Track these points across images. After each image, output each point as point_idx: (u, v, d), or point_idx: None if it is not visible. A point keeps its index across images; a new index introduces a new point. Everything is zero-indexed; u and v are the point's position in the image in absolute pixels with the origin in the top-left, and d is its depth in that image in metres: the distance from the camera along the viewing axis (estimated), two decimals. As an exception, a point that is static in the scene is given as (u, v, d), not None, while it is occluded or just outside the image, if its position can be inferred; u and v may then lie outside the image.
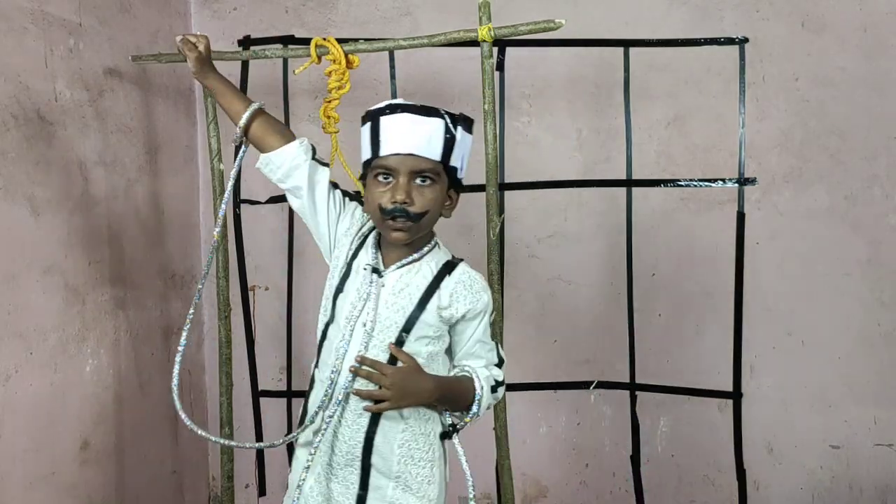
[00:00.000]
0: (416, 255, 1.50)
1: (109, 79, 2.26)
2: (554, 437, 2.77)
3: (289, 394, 2.68)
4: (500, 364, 1.56)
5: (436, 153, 1.44)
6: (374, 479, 1.47)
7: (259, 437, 2.69)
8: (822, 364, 2.63)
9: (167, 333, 2.56)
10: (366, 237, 1.55)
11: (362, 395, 1.43)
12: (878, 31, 2.55)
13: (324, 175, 1.57)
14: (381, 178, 1.43)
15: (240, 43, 2.53)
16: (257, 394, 2.68)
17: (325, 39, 1.96)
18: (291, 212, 2.58)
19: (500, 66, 2.45)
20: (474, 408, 1.49)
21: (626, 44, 2.46)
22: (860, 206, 2.60)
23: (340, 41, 1.95)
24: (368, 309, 1.46)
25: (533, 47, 2.46)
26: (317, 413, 1.46)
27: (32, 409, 1.90)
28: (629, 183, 2.51)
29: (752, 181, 2.38)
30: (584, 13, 2.61)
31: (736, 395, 2.43)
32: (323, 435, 1.46)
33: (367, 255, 1.51)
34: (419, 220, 1.44)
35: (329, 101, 1.91)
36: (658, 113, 2.66)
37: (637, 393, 2.56)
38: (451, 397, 1.50)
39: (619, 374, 2.65)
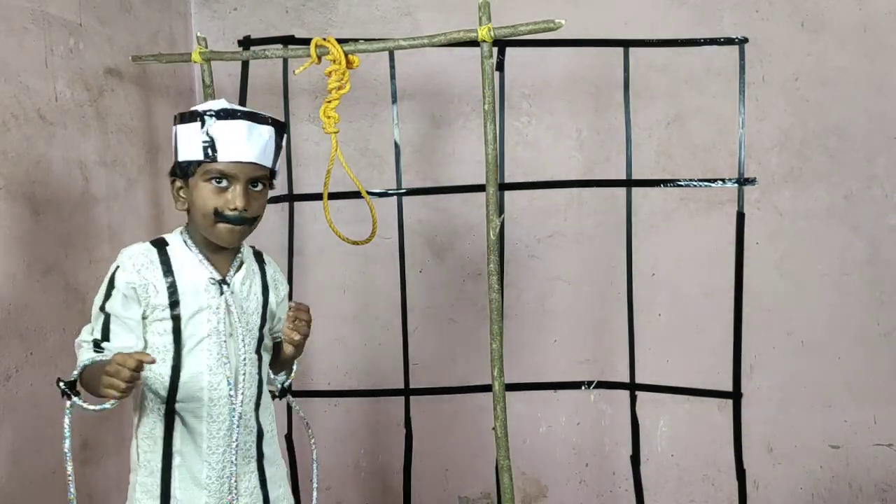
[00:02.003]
0: (241, 256, 1.54)
1: (109, 79, 2.26)
2: (554, 437, 2.77)
3: (290, 393, 2.68)
4: None
5: (269, 161, 1.47)
6: (268, 471, 1.58)
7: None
8: (822, 364, 2.63)
9: (167, 333, 2.56)
10: (169, 268, 1.46)
11: (300, 334, 1.49)
12: (878, 31, 2.56)
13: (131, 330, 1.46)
14: (214, 182, 1.42)
15: (240, 43, 2.53)
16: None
17: (325, 39, 1.96)
18: (291, 211, 2.59)
19: (500, 66, 2.45)
20: (295, 365, 1.66)
21: (626, 44, 2.46)
22: (860, 206, 2.60)
23: (340, 41, 1.95)
24: (231, 320, 1.48)
25: (533, 47, 2.46)
26: (226, 438, 1.48)
27: (32, 409, 1.90)
28: (629, 183, 2.51)
29: (751, 181, 2.38)
30: (584, 13, 2.61)
31: (736, 395, 2.43)
32: (235, 454, 1.48)
33: (201, 272, 1.47)
34: (253, 224, 1.48)
35: (329, 101, 1.91)
36: (658, 113, 2.66)
37: (637, 393, 2.56)
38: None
39: (619, 374, 2.65)
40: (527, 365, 2.72)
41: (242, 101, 2.43)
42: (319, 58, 1.97)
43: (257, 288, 1.55)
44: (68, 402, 1.38)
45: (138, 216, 2.41)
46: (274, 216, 2.71)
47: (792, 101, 2.61)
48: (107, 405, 1.35)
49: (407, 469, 2.53)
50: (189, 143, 1.43)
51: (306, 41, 2.02)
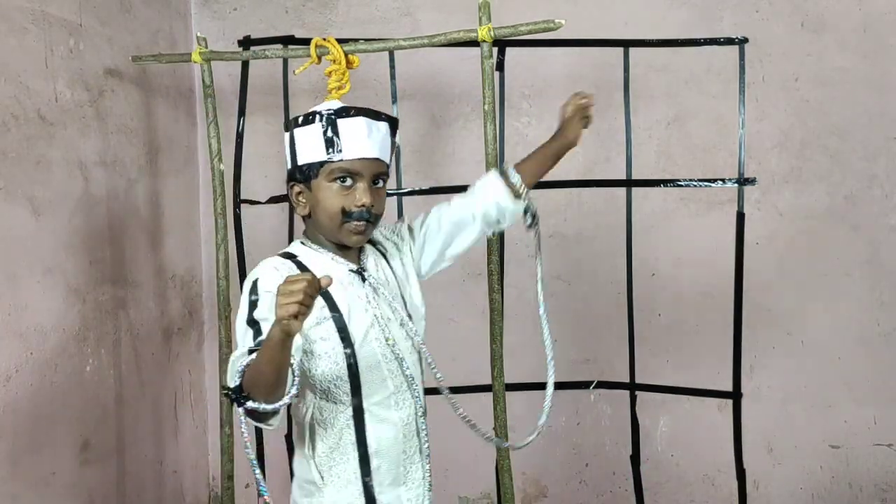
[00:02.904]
0: (364, 249, 1.55)
1: (109, 79, 2.26)
2: (554, 437, 2.77)
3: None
4: None
5: (388, 156, 1.48)
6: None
7: (259, 438, 2.69)
8: (822, 364, 2.63)
9: (167, 333, 2.56)
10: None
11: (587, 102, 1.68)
12: (878, 31, 2.56)
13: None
14: (339, 181, 1.40)
15: (240, 43, 2.53)
16: (257, 394, 2.67)
17: (325, 39, 1.96)
18: (291, 212, 2.58)
19: (500, 66, 2.44)
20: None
21: (626, 44, 2.45)
22: (860, 206, 2.60)
23: (340, 41, 1.95)
24: (393, 305, 1.50)
25: (533, 47, 2.46)
26: (419, 418, 1.54)
27: (32, 409, 1.90)
28: (629, 183, 2.51)
29: (751, 181, 2.38)
30: (584, 13, 2.61)
31: (736, 395, 2.42)
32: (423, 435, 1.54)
33: (338, 268, 1.44)
34: (377, 221, 1.46)
35: (329, 102, 1.91)
36: (658, 113, 2.66)
37: (637, 393, 2.56)
38: None
39: (619, 374, 2.65)
40: (527, 365, 2.71)
41: (242, 102, 2.43)
42: (319, 58, 1.97)
43: (386, 267, 1.54)
44: (241, 410, 1.24)
45: (138, 216, 2.41)
46: (274, 216, 2.72)
47: (792, 101, 2.61)
48: (284, 400, 1.24)
49: (407, 469, 2.53)
50: (310, 145, 1.41)
51: (306, 41, 2.03)
